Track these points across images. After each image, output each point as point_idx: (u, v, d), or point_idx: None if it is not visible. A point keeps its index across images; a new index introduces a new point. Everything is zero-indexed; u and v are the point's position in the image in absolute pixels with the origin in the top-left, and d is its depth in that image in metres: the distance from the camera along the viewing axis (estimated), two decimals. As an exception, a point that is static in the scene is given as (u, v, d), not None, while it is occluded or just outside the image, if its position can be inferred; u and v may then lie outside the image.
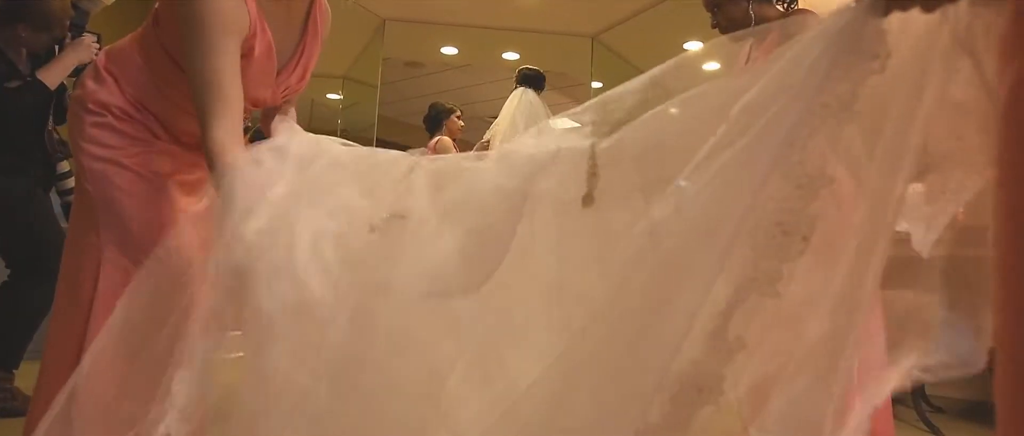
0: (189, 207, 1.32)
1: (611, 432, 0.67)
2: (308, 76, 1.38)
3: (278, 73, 1.29)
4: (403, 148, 1.25)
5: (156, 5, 1.26)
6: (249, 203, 0.94)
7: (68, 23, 2.21)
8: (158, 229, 1.23)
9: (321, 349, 0.86)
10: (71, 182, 2.37)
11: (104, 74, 1.27)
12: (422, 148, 3.67)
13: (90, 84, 1.28)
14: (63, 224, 2.37)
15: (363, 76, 6.08)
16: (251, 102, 1.27)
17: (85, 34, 2.26)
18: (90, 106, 1.26)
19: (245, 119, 1.40)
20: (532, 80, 3.48)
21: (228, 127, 1.10)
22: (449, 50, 6.06)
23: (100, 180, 1.24)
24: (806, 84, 0.64)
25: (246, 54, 1.18)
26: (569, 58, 5.75)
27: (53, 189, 2.44)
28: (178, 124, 1.31)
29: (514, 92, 3.49)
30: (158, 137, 1.30)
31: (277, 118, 1.27)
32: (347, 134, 6.44)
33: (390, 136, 6.08)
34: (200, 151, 1.32)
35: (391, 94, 5.96)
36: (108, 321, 1.04)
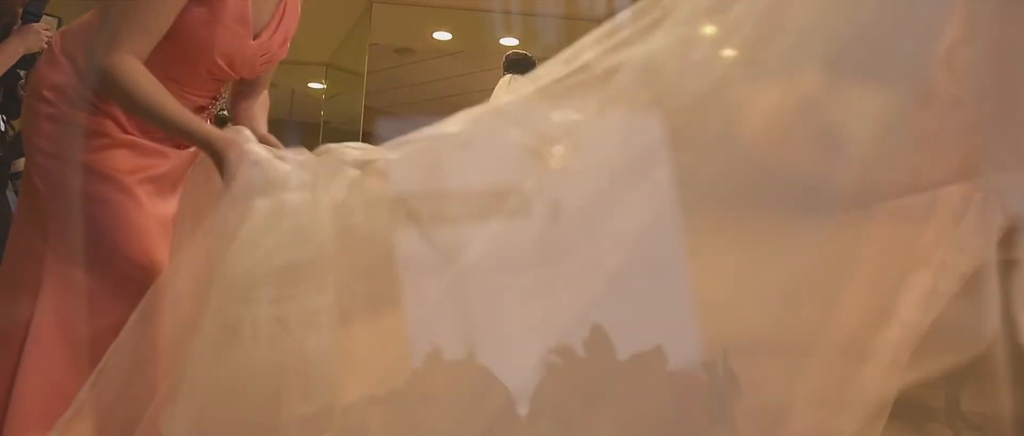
0: (156, 209, 1.28)
1: None
2: (288, 43, 1.36)
3: (257, 36, 1.26)
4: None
5: None
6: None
7: (20, 10, 2.15)
8: (119, 236, 1.20)
9: None
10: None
11: (59, 56, 1.23)
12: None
13: (44, 69, 1.24)
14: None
15: (348, 63, 6.03)
16: (227, 63, 1.23)
17: (38, 20, 2.20)
18: (44, 93, 1.22)
19: (215, 104, 1.37)
20: (519, 65, 3.43)
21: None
22: (442, 35, 6.01)
23: (53, 179, 1.20)
24: None
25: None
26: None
27: (11, 188, 2.39)
28: None
29: (501, 80, 3.43)
30: (119, 125, 1.24)
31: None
32: (331, 126, 6.40)
33: (377, 129, 6.04)
34: (166, 141, 1.26)
35: (379, 83, 5.92)
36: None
